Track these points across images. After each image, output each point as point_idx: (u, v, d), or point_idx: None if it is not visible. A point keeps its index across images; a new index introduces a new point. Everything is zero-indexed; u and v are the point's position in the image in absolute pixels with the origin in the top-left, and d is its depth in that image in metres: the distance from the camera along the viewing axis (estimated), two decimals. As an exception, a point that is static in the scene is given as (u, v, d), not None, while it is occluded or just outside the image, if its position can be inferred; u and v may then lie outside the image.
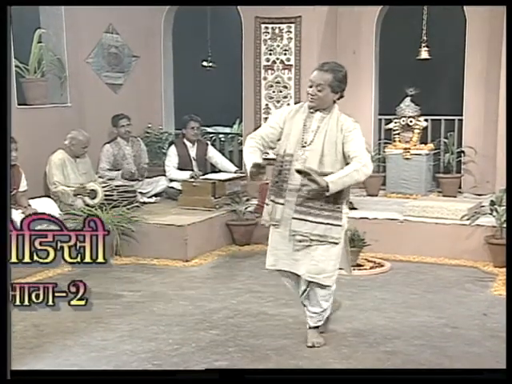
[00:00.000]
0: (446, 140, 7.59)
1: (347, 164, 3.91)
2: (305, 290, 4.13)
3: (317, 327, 4.20)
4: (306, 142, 3.95)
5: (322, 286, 4.07)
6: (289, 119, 4.02)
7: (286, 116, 4.05)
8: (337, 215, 3.97)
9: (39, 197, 6.30)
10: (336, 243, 3.99)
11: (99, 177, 6.97)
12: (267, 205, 4.09)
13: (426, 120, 7.60)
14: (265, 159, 7.63)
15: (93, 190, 6.44)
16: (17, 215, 5.82)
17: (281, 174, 3.99)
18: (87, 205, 6.36)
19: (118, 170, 7.22)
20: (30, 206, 6.00)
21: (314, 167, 3.86)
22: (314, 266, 4.00)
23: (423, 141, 7.58)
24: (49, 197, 6.40)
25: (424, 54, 7.25)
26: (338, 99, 4.04)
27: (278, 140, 4.07)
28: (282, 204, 3.99)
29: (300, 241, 3.98)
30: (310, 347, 4.10)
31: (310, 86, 3.97)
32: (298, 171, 3.81)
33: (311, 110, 4.00)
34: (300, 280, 4.13)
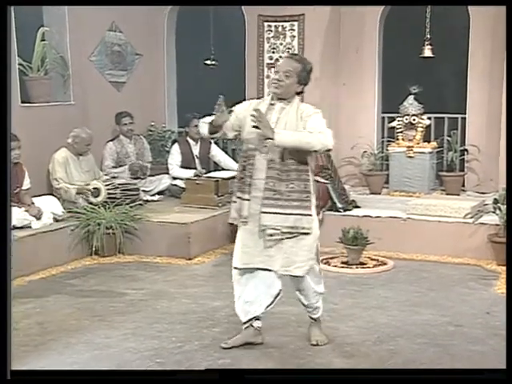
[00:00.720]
0: (449, 138, 7.59)
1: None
2: (279, 293, 4.06)
3: (314, 320, 4.17)
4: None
5: (299, 280, 4.01)
6: (249, 113, 3.84)
7: (245, 108, 3.97)
8: (306, 205, 3.91)
9: (43, 195, 6.30)
10: (307, 233, 3.92)
11: (105, 174, 6.97)
12: (234, 202, 4.02)
13: (430, 118, 7.59)
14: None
15: (96, 188, 6.44)
16: (20, 213, 5.85)
17: (245, 169, 3.93)
18: (90, 203, 6.37)
19: (121, 166, 7.23)
20: (33, 203, 6.01)
21: (277, 159, 3.83)
22: (286, 258, 3.94)
23: (426, 139, 7.58)
24: (52, 195, 6.40)
25: (427, 52, 7.24)
26: (299, 94, 3.97)
27: (237, 132, 4.00)
28: (248, 200, 3.91)
29: (271, 235, 3.90)
30: (315, 345, 4.10)
31: (277, 72, 3.92)
32: (253, 116, 3.71)
33: (272, 102, 3.94)
34: (273, 281, 4.03)
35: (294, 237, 3.92)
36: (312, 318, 4.21)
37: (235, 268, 4.08)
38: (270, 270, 3.99)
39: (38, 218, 5.91)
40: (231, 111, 3.99)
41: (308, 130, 3.81)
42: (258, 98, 7.36)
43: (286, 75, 3.87)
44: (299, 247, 3.94)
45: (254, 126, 3.77)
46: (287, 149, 3.82)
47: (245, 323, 4.11)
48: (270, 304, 4.07)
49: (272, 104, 3.94)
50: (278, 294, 4.07)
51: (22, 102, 6.42)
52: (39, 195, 6.23)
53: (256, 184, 3.88)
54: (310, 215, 3.93)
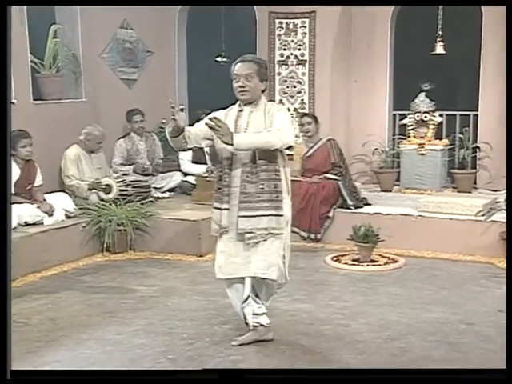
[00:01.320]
0: (461, 135, 7.55)
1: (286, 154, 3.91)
2: (248, 297, 4.05)
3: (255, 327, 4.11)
4: None
5: (270, 284, 4.00)
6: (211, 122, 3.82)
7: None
8: (276, 205, 3.89)
9: (54, 191, 6.33)
10: (280, 234, 3.90)
11: (113, 171, 6.99)
12: (213, 213, 4.02)
13: (441, 115, 7.56)
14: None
15: (108, 184, 6.46)
16: (32, 210, 5.88)
17: (221, 179, 3.94)
18: (102, 200, 6.39)
19: (132, 164, 7.24)
20: (45, 200, 6.04)
21: (248, 161, 3.84)
22: (263, 261, 3.91)
23: (438, 136, 7.54)
24: (64, 192, 6.43)
25: (439, 49, 7.21)
26: (264, 91, 3.98)
27: (206, 140, 4.00)
28: (228, 209, 3.92)
29: (249, 238, 3.89)
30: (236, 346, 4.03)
31: (237, 81, 3.90)
32: (209, 126, 3.71)
33: (240, 108, 3.95)
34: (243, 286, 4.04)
35: (269, 238, 3.90)
36: (254, 326, 4.11)
37: (220, 279, 4.09)
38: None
39: (50, 215, 5.94)
40: (183, 109, 4.05)
41: (268, 129, 3.82)
42: (273, 95, 7.52)
43: (247, 80, 3.88)
44: (274, 249, 3.92)
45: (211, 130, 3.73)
46: (258, 152, 3.82)
47: (253, 325, 4.10)
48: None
49: (240, 110, 3.95)
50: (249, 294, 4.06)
51: (34, 99, 6.45)
52: (51, 192, 6.26)
53: (234, 192, 3.89)
54: (281, 215, 3.90)
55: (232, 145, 3.73)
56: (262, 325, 4.10)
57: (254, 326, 4.10)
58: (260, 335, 4.11)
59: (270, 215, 3.87)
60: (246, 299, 4.06)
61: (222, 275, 4.06)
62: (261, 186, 3.86)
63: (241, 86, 3.88)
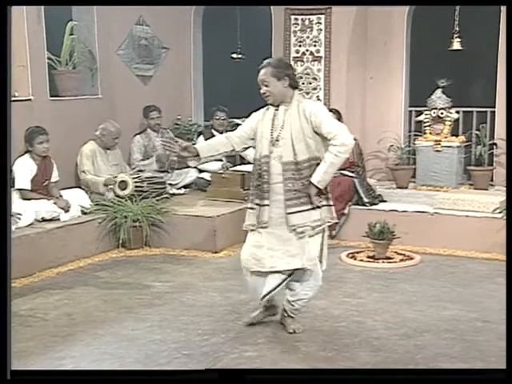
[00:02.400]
0: (477, 132, 7.49)
1: (327, 145, 3.96)
2: (279, 284, 4.16)
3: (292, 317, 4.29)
4: (276, 140, 4.02)
5: (308, 274, 4.13)
6: (260, 122, 4.11)
7: (255, 119, 4.17)
8: (325, 196, 4.06)
9: (71, 188, 6.37)
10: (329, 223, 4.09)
11: (133, 168, 7.02)
12: (252, 209, 4.14)
13: (458, 112, 7.51)
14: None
15: (123, 181, 6.49)
16: (49, 205, 5.92)
17: (261, 176, 4.06)
18: (117, 196, 6.41)
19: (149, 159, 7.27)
20: (61, 196, 6.07)
21: (290, 159, 3.98)
22: (308, 253, 4.07)
23: (454, 133, 7.49)
24: (80, 188, 6.46)
25: (456, 45, 7.15)
26: (294, 88, 4.08)
27: (251, 140, 4.16)
28: (268, 205, 4.04)
29: (302, 232, 4.03)
30: (292, 333, 4.19)
31: (259, 88, 4.08)
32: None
33: (276, 108, 4.08)
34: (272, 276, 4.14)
35: (316, 232, 4.05)
36: (288, 315, 4.28)
37: (259, 271, 4.17)
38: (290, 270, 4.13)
39: (66, 211, 5.98)
40: (177, 141, 4.31)
41: (328, 137, 3.92)
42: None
43: (264, 85, 4.04)
44: (314, 241, 4.08)
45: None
46: (296, 148, 3.96)
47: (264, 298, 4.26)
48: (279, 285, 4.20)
49: (276, 109, 4.08)
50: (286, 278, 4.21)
51: (51, 96, 6.48)
52: (67, 188, 6.30)
53: (274, 189, 4.02)
54: (332, 205, 4.10)
55: (320, 189, 3.95)
56: (292, 313, 4.27)
57: (285, 311, 4.28)
58: (288, 323, 4.27)
59: (321, 206, 4.02)
60: (275, 288, 4.17)
61: (262, 268, 4.14)
62: (306, 183, 3.98)
63: (263, 93, 4.08)
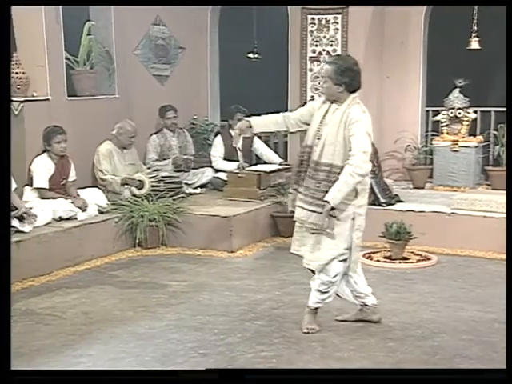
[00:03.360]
0: (495, 132, 7.45)
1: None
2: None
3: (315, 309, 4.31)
4: (320, 135, 4.08)
5: (319, 274, 4.19)
6: (316, 110, 4.18)
7: (315, 106, 4.23)
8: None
9: (88, 187, 6.40)
10: (329, 233, 4.03)
11: (148, 167, 7.04)
12: (290, 193, 4.36)
13: (476, 112, 7.46)
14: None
15: (140, 180, 6.51)
16: (66, 205, 5.96)
17: (302, 164, 4.17)
18: (134, 195, 6.44)
19: (165, 160, 7.29)
20: (78, 195, 6.11)
21: (315, 158, 4.06)
22: (310, 253, 4.15)
23: (472, 133, 7.45)
24: (97, 187, 6.49)
25: (474, 44, 7.11)
26: (352, 92, 4.06)
27: (306, 124, 4.23)
28: (301, 193, 4.17)
29: (300, 227, 4.19)
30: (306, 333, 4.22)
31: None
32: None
33: (329, 104, 4.14)
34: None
35: (318, 233, 4.08)
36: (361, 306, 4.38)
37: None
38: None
39: (84, 210, 6.01)
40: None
41: (350, 153, 3.95)
42: (305, 91, 7.50)
43: (323, 81, 4.17)
44: (322, 244, 4.10)
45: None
46: (325, 148, 4.02)
47: (360, 304, 4.36)
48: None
49: (330, 106, 4.15)
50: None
51: (69, 96, 6.52)
52: (84, 187, 6.33)
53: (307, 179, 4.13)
54: (334, 216, 4.00)
55: (332, 205, 3.94)
56: (366, 305, 4.32)
57: (360, 305, 4.34)
58: (364, 315, 4.34)
59: (320, 213, 4.00)
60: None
61: (291, 249, 4.33)
62: (317, 184, 4.04)
63: (321, 86, 4.27)
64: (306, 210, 4.09)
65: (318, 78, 7.47)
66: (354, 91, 4.07)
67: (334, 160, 3.99)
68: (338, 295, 4.34)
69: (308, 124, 4.20)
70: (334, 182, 3.97)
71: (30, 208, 5.59)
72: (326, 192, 3.97)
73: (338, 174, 3.97)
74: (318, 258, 4.13)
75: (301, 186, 4.15)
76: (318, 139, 4.06)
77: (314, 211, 4.04)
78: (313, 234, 4.10)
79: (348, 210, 4.05)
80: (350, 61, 4.12)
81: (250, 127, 4.28)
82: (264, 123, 4.33)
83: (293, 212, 4.28)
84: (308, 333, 4.21)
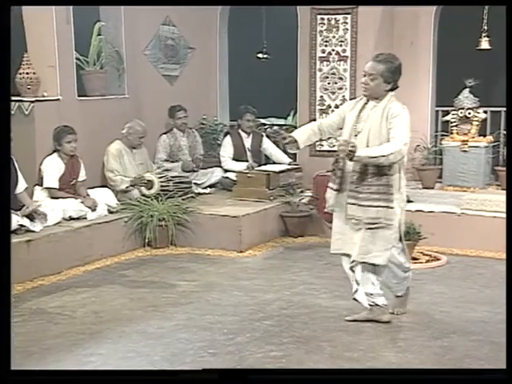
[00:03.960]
0: (505, 132, 7.41)
1: None
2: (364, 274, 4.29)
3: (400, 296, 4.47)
4: (358, 131, 4.17)
5: (373, 269, 4.25)
6: (348, 111, 4.28)
7: (346, 108, 4.33)
8: (386, 197, 4.12)
9: (97, 187, 6.43)
10: (388, 224, 4.14)
11: (157, 167, 7.06)
12: (326, 192, 4.32)
13: (485, 112, 7.43)
14: (318, 151, 7.68)
15: (149, 180, 6.53)
16: (76, 204, 5.98)
17: (337, 161, 4.21)
18: (143, 195, 6.46)
19: (175, 161, 7.29)
20: (88, 195, 6.13)
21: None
22: (363, 247, 4.19)
23: (482, 133, 7.42)
24: (106, 187, 6.51)
25: (484, 44, 7.09)
26: (392, 90, 4.19)
27: (339, 129, 4.33)
28: (338, 190, 4.23)
29: (355, 224, 4.19)
30: (391, 313, 4.39)
31: (364, 76, 4.18)
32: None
33: (366, 101, 4.22)
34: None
35: (375, 227, 4.15)
36: (370, 306, 4.39)
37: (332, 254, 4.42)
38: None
39: (93, 210, 6.03)
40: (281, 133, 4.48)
41: (390, 139, 4.05)
42: (314, 91, 7.49)
43: (370, 78, 4.15)
44: (377, 237, 4.17)
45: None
46: (370, 144, 4.08)
47: (369, 304, 4.36)
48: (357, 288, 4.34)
49: (366, 103, 4.23)
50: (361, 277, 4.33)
51: (79, 96, 6.55)
52: (94, 187, 6.36)
53: (345, 177, 4.21)
54: (391, 207, 4.13)
55: (354, 152, 3.96)
56: (377, 305, 4.32)
57: (370, 305, 4.33)
58: (374, 315, 4.33)
59: (378, 206, 4.12)
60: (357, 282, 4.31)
61: (331, 250, 4.37)
62: (369, 180, 4.11)
63: (364, 83, 4.19)
64: (362, 206, 4.13)
65: (327, 77, 7.46)
66: (393, 90, 4.21)
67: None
68: (355, 299, 4.38)
69: (341, 129, 4.30)
70: (387, 174, 4.09)
71: (39, 206, 5.62)
72: (381, 185, 4.09)
73: (389, 166, 4.07)
74: (369, 250, 4.18)
75: (337, 184, 4.20)
76: (356, 136, 4.15)
77: (371, 206, 4.12)
78: (369, 229, 4.14)
79: (395, 203, 4.16)
80: (399, 61, 4.23)
81: (295, 142, 4.32)
82: (307, 137, 4.39)
83: (327, 213, 4.38)
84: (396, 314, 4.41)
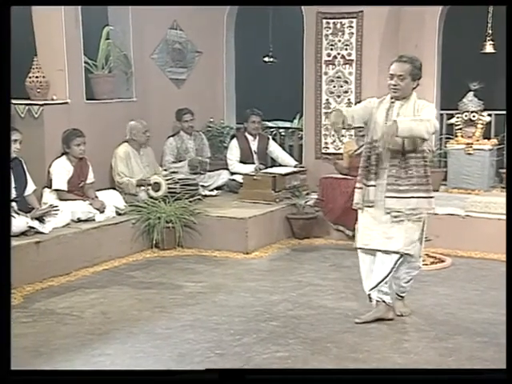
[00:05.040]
0: (506, 133, 7.43)
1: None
2: (393, 268, 4.39)
3: (402, 297, 4.59)
4: None
5: (409, 259, 4.40)
6: (375, 109, 4.39)
7: (371, 106, 4.43)
8: (425, 188, 4.32)
9: (106, 189, 6.48)
10: (429, 214, 4.37)
11: (164, 169, 7.11)
12: (360, 188, 4.42)
13: (490, 115, 7.46)
14: (324, 153, 7.69)
15: (156, 182, 6.58)
16: (84, 206, 6.04)
17: (370, 158, 4.36)
18: (151, 197, 6.51)
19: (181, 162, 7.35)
20: (97, 197, 6.19)
21: (399, 148, 4.25)
22: (407, 239, 4.32)
23: (486, 136, 7.45)
24: (114, 189, 6.57)
25: (489, 48, 7.11)
26: (415, 88, 4.35)
27: (362, 125, 4.41)
28: (374, 186, 4.34)
29: (396, 216, 4.30)
30: (399, 316, 4.49)
31: (391, 78, 4.32)
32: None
33: (392, 100, 4.35)
34: (382, 257, 4.38)
35: (417, 218, 4.32)
36: (398, 296, 4.56)
37: (358, 248, 4.49)
38: (386, 252, 4.36)
39: (102, 212, 6.09)
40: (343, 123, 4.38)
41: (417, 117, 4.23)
42: (319, 94, 7.53)
43: (400, 79, 4.30)
44: (417, 228, 4.35)
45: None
46: (406, 140, 4.23)
47: (376, 300, 4.46)
48: (381, 281, 4.39)
49: (392, 102, 4.36)
50: (391, 271, 4.40)
51: (87, 99, 6.61)
52: (102, 189, 6.41)
53: (380, 173, 4.33)
54: (432, 197, 4.36)
55: (397, 128, 4.08)
56: (384, 301, 4.43)
57: (376, 301, 4.43)
58: (381, 313, 4.44)
59: (419, 197, 4.29)
60: (391, 270, 4.38)
61: (359, 245, 4.46)
62: (410, 172, 4.28)
63: (393, 85, 4.31)
64: (403, 198, 4.25)
65: (332, 81, 7.51)
66: (415, 87, 4.37)
67: (417, 146, 4.25)
68: (369, 297, 4.49)
69: (365, 123, 4.39)
70: (424, 165, 4.28)
71: (52, 205, 5.67)
72: (420, 177, 4.27)
73: (424, 157, 4.28)
74: (412, 241, 4.32)
75: (372, 180, 4.32)
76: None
77: (413, 197, 4.27)
78: (409, 220, 4.28)
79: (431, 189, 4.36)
80: (420, 60, 4.40)
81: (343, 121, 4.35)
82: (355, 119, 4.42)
83: (354, 209, 4.46)
84: (401, 315, 4.50)
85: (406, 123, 4.12)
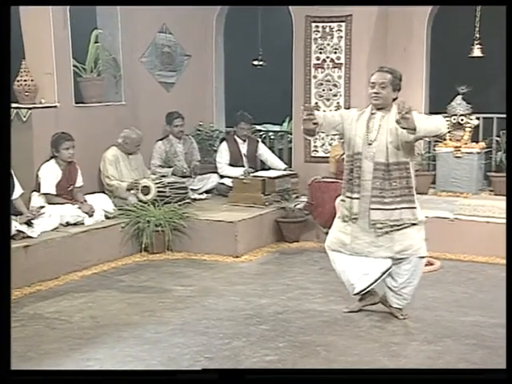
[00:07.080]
0: (498, 138, 7.49)
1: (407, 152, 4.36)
2: (384, 272, 4.47)
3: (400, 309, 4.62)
4: (371, 140, 4.35)
5: (414, 262, 4.46)
6: (354, 121, 4.42)
7: (349, 116, 4.47)
8: (408, 199, 4.37)
9: (94, 193, 6.47)
10: (413, 224, 4.39)
11: (151, 173, 7.10)
12: (343, 201, 4.48)
13: (478, 118, 7.51)
14: (313, 157, 7.70)
15: (146, 186, 6.57)
16: (73, 210, 6.02)
17: (352, 171, 4.40)
18: (140, 201, 6.50)
19: (169, 166, 7.34)
20: (85, 201, 6.18)
21: (382, 160, 4.31)
22: (401, 245, 4.39)
23: (475, 139, 7.49)
24: (103, 193, 6.56)
25: (477, 52, 7.15)
26: (395, 100, 4.38)
27: (337, 132, 4.51)
28: (358, 198, 4.38)
29: (380, 228, 4.36)
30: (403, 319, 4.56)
31: (373, 87, 4.37)
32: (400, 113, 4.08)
33: (373, 111, 4.40)
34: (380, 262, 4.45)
35: (403, 227, 4.37)
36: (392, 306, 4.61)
37: (339, 252, 4.53)
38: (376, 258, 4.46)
39: (90, 215, 6.07)
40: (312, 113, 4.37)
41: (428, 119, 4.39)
42: (309, 98, 7.55)
43: (381, 87, 4.36)
44: (411, 233, 4.41)
45: (397, 121, 4.15)
46: (389, 151, 4.29)
47: (361, 293, 4.59)
48: (378, 279, 4.49)
49: (373, 113, 4.41)
50: (385, 271, 4.49)
51: (76, 103, 6.59)
52: (91, 193, 6.40)
53: (363, 185, 4.37)
54: (414, 208, 4.39)
55: (414, 131, 4.12)
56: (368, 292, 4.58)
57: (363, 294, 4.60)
58: (367, 300, 4.65)
59: (401, 208, 4.36)
60: (382, 275, 4.48)
61: (347, 251, 4.50)
62: (394, 184, 4.34)
63: (375, 93, 4.36)
64: (387, 210, 4.32)
65: (321, 84, 7.53)
66: (396, 99, 4.42)
67: (400, 157, 4.32)
68: (369, 290, 4.59)
69: (337, 130, 4.46)
70: (407, 176, 4.33)
71: (39, 207, 5.66)
72: (403, 188, 4.32)
73: (407, 168, 4.33)
74: (410, 245, 4.40)
75: (356, 193, 4.36)
76: (370, 144, 4.33)
77: (396, 208, 4.33)
78: (398, 230, 4.35)
79: (415, 199, 4.42)
80: (399, 71, 4.49)
81: (316, 124, 4.35)
82: (326, 125, 4.46)
83: (349, 219, 4.45)
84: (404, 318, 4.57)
85: (414, 116, 4.15)
